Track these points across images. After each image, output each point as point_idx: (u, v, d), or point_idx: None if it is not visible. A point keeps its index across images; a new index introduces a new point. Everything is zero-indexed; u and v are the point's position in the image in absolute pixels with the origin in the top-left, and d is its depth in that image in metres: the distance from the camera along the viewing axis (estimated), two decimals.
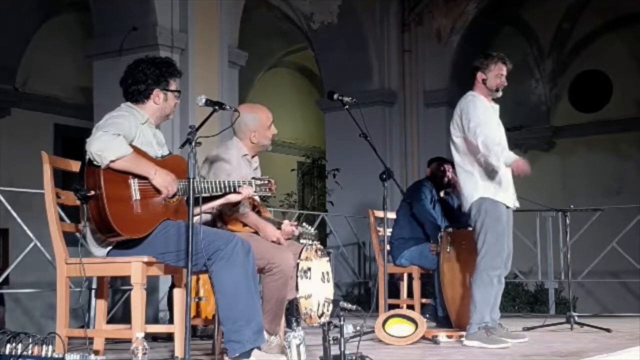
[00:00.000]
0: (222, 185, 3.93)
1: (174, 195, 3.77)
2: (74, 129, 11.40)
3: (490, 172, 5.14)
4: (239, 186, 3.98)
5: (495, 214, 5.10)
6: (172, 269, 3.98)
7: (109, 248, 3.80)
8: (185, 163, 3.77)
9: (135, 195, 3.69)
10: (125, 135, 3.68)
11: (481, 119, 5.08)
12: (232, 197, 4.03)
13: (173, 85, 3.99)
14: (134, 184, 3.70)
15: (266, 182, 4.11)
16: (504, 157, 4.96)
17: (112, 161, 3.60)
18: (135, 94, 3.92)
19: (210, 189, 3.90)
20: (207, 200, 3.98)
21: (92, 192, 3.62)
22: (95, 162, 3.62)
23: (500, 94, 5.26)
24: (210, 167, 4.40)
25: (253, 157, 4.61)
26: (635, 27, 12.79)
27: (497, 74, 5.20)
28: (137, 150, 3.74)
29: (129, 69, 3.97)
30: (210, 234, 3.81)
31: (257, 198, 4.50)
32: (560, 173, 13.09)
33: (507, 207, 5.20)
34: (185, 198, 3.83)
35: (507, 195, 5.17)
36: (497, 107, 5.36)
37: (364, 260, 10.79)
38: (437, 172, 6.87)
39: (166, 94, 3.93)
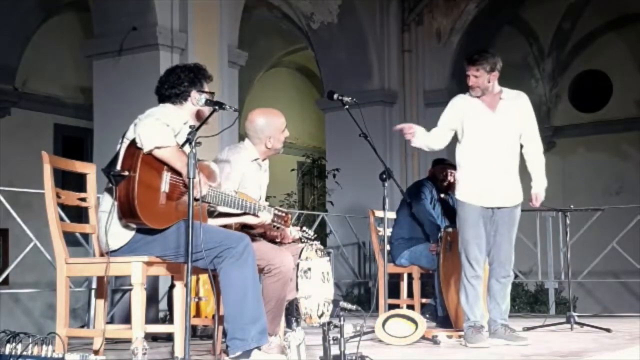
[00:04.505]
0: (242, 204, 4.10)
1: (198, 200, 3.79)
2: (74, 128, 11.42)
3: (463, 173, 5.20)
4: (259, 210, 4.17)
5: (463, 215, 5.13)
6: (173, 268, 3.99)
7: (128, 238, 3.81)
8: (207, 168, 3.91)
9: (165, 187, 3.76)
10: (173, 128, 3.78)
11: (439, 123, 5.28)
12: (249, 220, 4.21)
13: (206, 88, 4.09)
14: (167, 176, 3.77)
15: (284, 214, 4.33)
16: None
17: (157, 147, 3.69)
18: (173, 96, 4.02)
19: (230, 203, 4.04)
20: (224, 215, 4.13)
21: (126, 173, 3.69)
22: (138, 145, 3.69)
23: (475, 92, 5.15)
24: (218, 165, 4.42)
25: (264, 160, 4.62)
26: (635, 27, 12.81)
27: (466, 74, 5.20)
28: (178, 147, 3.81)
29: (163, 76, 4.09)
30: (221, 232, 3.88)
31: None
32: (560, 173, 13.09)
33: (488, 208, 5.12)
34: (207, 206, 3.95)
35: (484, 195, 5.10)
36: (496, 97, 5.18)
37: (364, 260, 10.78)
38: (439, 176, 6.86)
39: (201, 95, 3.98)
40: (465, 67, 5.18)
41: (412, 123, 5.64)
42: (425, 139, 5.29)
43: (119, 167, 3.74)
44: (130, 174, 3.68)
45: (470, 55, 5.21)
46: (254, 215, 4.19)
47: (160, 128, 3.72)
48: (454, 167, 6.39)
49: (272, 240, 4.51)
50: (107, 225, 3.78)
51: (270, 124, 4.55)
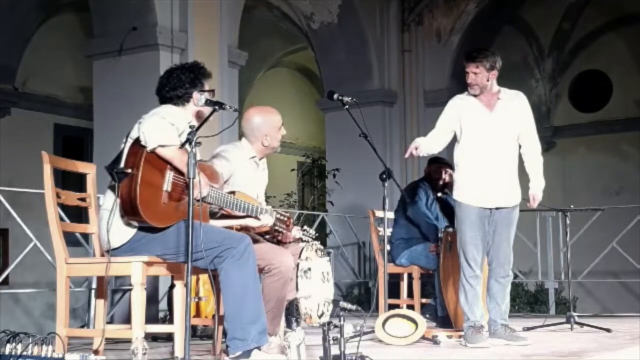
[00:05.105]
0: (244, 207, 4.11)
1: (199, 200, 3.79)
2: (74, 128, 11.42)
3: (459, 174, 5.21)
4: (260, 213, 4.18)
5: (461, 216, 5.14)
6: (173, 268, 3.99)
7: (129, 236, 3.81)
8: (210, 169, 3.90)
9: (167, 186, 3.77)
10: (177, 128, 3.79)
11: (437, 125, 5.30)
12: (251, 223, 4.22)
13: (207, 86, 4.09)
14: (170, 176, 3.77)
15: (286, 219, 4.35)
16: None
17: (161, 146, 3.70)
18: (175, 98, 4.01)
19: (231, 205, 4.05)
20: (225, 216, 4.14)
21: (129, 170, 3.69)
22: (142, 143, 3.70)
23: (474, 90, 5.14)
24: (211, 161, 4.41)
25: (261, 159, 4.62)
26: (635, 27, 12.80)
27: (465, 71, 5.19)
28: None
29: (163, 78, 4.07)
30: (222, 232, 3.89)
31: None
32: (560, 173, 13.09)
33: (487, 208, 5.12)
34: (209, 207, 3.95)
35: (482, 196, 5.10)
36: (494, 97, 5.16)
37: (364, 260, 10.78)
38: (434, 175, 6.84)
39: (202, 95, 3.98)
40: (465, 64, 5.17)
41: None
42: (425, 146, 5.27)
43: (122, 165, 3.75)
44: (133, 171, 3.68)
45: (470, 52, 5.20)
46: (256, 218, 4.20)
47: (165, 127, 3.73)
48: (449, 165, 6.39)
49: (273, 239, 4.51)
50: (109, 222, 3.79)
51: (266, 122, 4.55)
